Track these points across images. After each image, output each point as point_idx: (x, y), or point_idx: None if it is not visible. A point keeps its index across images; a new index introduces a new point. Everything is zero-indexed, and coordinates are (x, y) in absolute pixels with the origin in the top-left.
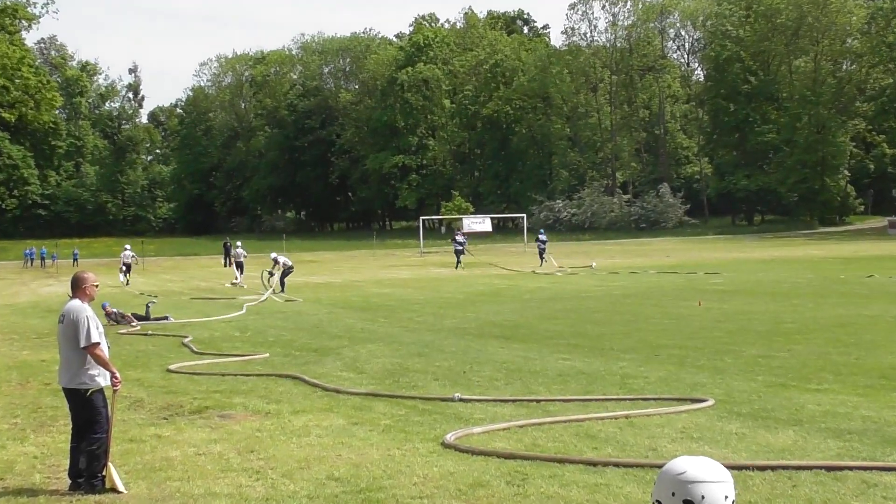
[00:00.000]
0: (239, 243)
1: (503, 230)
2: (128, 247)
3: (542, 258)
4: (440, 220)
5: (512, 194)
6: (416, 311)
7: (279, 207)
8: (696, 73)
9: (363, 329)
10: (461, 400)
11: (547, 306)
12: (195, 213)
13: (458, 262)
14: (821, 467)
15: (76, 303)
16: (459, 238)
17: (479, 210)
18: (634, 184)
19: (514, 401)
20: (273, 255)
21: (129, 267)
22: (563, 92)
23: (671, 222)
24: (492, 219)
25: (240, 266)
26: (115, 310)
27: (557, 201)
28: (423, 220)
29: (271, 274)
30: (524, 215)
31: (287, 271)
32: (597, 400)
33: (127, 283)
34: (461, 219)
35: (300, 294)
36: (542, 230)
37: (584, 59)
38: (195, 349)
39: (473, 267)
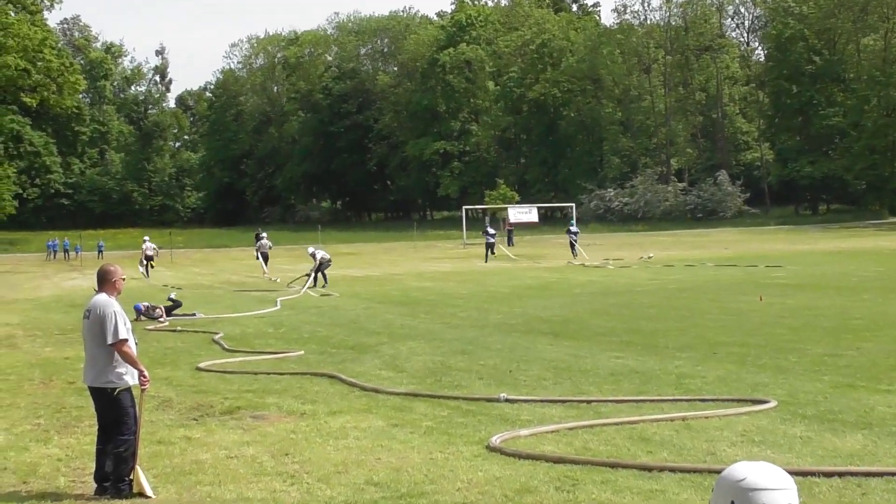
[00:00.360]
0: (264, 234)
1: (551, 220)
2: (147, 238)
3: (573, 250)
4: (484, 209)
5: (560, 182)
6: (460, 305)
7: (314, 196)
8: (756, 52)
9: (403, 325)
10: (507, 400)
11: (598, 301)
12: (225, 203)
13: (489, 254)
14: (892, 474)
15: (103, 297)
16: (490, 230)
17: (526, 199)
18: (690, 171)
19: (563, 401)
20: (310, 249)
21: (150, 259)
22: (614, 73)
23: (729, 212)
24: (539, 208)
25: (265, 258)
26: (145, 304)
27: (608, 189)
28: (466, 210)
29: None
30: (573, 204)
31: (324, 265)
32: (651, 401)
33: (147, 276)
34: (506, 208)
35: (336, 288)
36: (572, 221)
37: (636, 38)
38: (226, 346)
39: (505, 260)
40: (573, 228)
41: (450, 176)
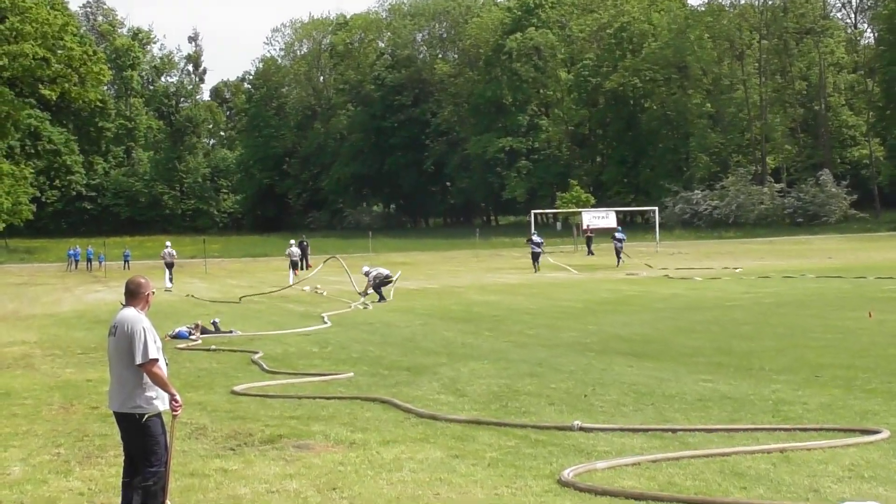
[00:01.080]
0: (292, 241)
1: (631, 226)
2: (168, 244)
3: (618, 257)
4: (555, 214)
5: (641, 183)
6: (528, 322)
7: (364, 200)
8: (865, 35)
9: (464, 344)
10: (582, 429)
11: (684, 317)
12: (265, 207)
13: (536, 265)
14: None
15: (131, 312)
16: (536, 239)
17: (602, 202)
18: (789, 170)
19: (645, 430)
20: (365, 268)
21: (170, 266)
22: (702, 60)
23: (834, 216)
24: (617, 213)
25: (294, 265)
26: (189, 327)
27: (696, 192)
28: (535, 215)
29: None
30: (655, 208)
31: (383, 282)
32: (745, 430)
33: (170, 285)
34: (580, 213)
35: (389, 302)
36: (619, 227)
37: (727, 20)
38: (266, 367)
39: (587, 269)
40: (619, 235)
41: (517, 176)
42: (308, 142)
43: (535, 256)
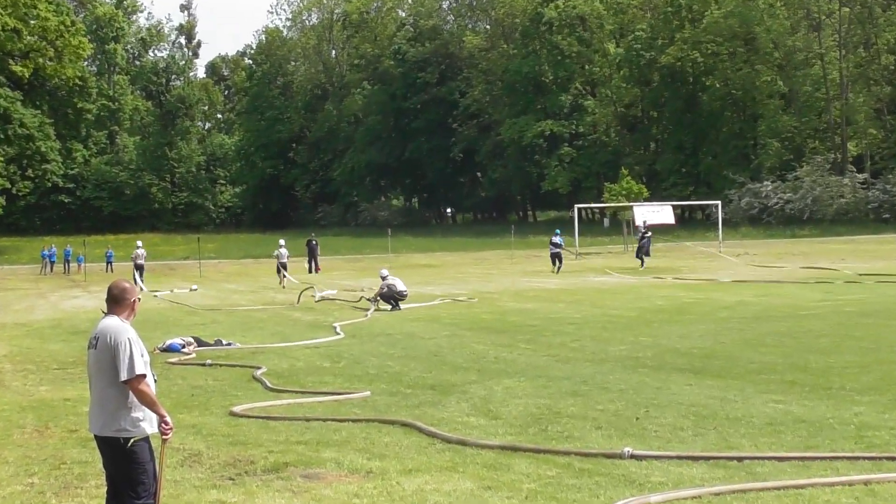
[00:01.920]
0: (282, 241)
1: (690, 222)
2: (139, 243)
3: (642, 255)
4: (602, 208)
5: (702, 173)
6: (571, 333)
7: (382, 192)
8: None
9: (497, 358)
10: (633, 456)
11: (751, 328)
12: (269, 200)
13: (557, 266)
14: None
15: (114, 321)
16: (556, 239)
17: (657, 195)
18: (873, 158)
19: (706, 458)
20: (383, 271)
21: (140, 269)
22: (773, 31)
23: None
24: (674, 207)
25: (282, 268)
26: (184, 339)
27: (765, 183)
28: (579, 210)
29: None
30: (718, 202)
31: (396, 295)
32: (822, 458)
33: (142, 289)
34: (631, 207)
35: (411, 310)
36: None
37: None
38: (270, 385)
39: (637, 272)
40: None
41: (558, 165)
42: (318, 125)
43: (554, 258)
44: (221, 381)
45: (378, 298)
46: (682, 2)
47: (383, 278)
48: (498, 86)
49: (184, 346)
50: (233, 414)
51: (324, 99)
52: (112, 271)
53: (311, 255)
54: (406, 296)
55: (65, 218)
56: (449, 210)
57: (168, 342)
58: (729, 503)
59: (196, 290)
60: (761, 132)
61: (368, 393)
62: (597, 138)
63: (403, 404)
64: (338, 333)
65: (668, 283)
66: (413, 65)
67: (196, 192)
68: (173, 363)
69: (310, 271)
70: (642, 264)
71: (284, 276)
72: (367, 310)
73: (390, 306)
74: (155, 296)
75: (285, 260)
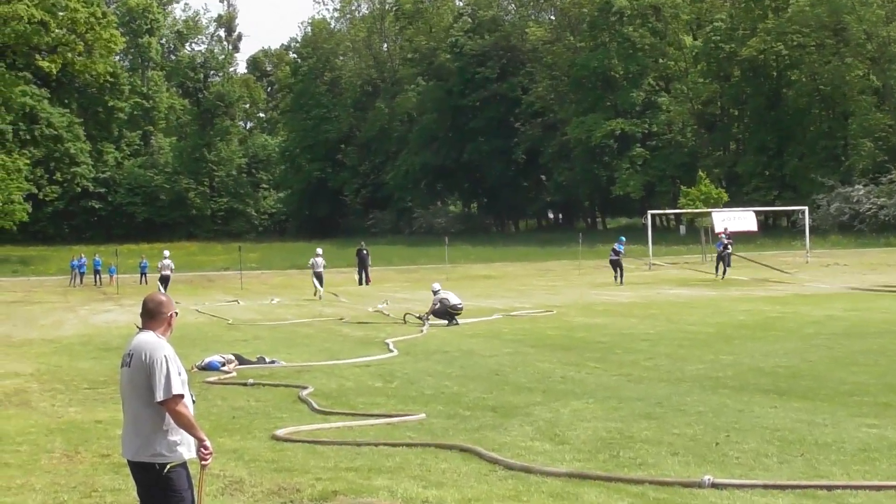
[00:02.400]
0: (319, 250)
1: (774, 230)
2: (167, 253)
3: (724, 264)
4: (678, 214)
5: (787, 177)
6: (644, 351)
7: (438, 197)
8: None
9: (565, 378)
10: (713, 485)
11: (841, 345)
12: (315, 206)
13: (618, 275)
14: None
15: (150, 337)
16: (617, 246)
17: (737, 200)
18: None
19: (793, 487)
20: (435, 286)
21: (166, 280)
22: (865, 21)
23: None
24: (756, 213)
25: (317, 278)
26: (225, 357)
27: (857, 187)
28: (653, 216)
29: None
30: (805, 208)
31: (449, 309)
32: None
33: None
34: (709, 213)
35: (470, 325)
36: (621, 238)
37: None
38: (317, 406)
39: (717, 285)
40: (729, 242)
41: (629, 168)
42: (368, 125)
43: (614, 266)
44: (264, 402)
45: (429, 316)
46: None
47: (435, 292)
48: (564, 81)
49: (223, 364)
50: (277, 438)
51: (375, 96)
52: (146, 283)
53: (362, 266)
54: (461, 309)
55: (95, 225)
56: (511, 217)
57: (207, 360)
58: None
59: (240, 303)
60: (852, 131)
61: (424, 415)
62: (671, 138)
63: (462, 427)
64: (391, 351)
65: (750, 295)
66: (471, 59)
67: (237, 198)
68: (212, 382)
69: (360, 283)
70: (723, 275)
71: (319, 288)
72: (422, 325)
73: (445, 322)
74: (197, 311)
75: (321, 269)
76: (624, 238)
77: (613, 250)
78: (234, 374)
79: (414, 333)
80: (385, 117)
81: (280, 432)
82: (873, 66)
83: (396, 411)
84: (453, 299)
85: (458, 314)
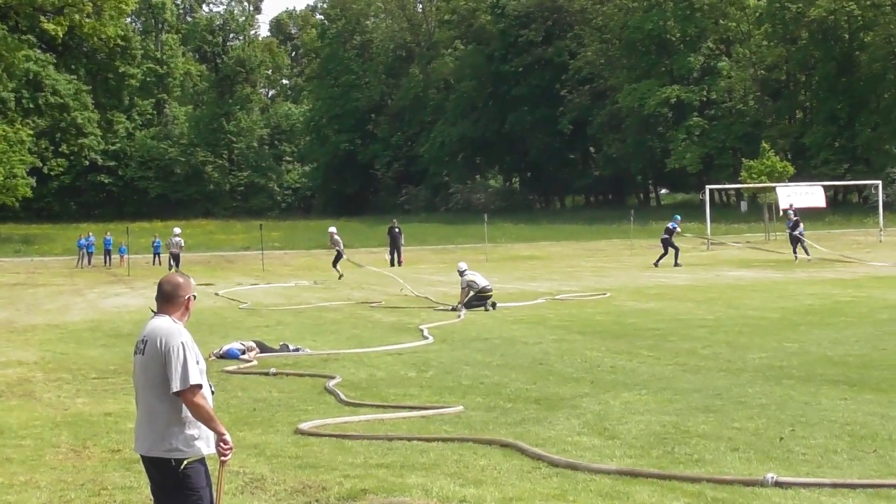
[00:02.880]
0: (333, 229)
1: (844, 206)
2: (177, 230)
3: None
4: (739, 189)
5: (859, 148)
6: (701, 338)
7: (477, 171)
8: None
9: (614, 367)
10: (777, 484)
11: None
12: (343, 181)
13: (663, 257)
14: None
15: (165, 322)
16: (671, 225)
17: (804, 174)
18: None
19: (864, 486)
20: (461, 265)
21: (177, 258)
22: None
23: None
24: (825, 188)
25: (339, 257)
26: (244, 344)
27: None
28: (711, 191)
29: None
30: (879, 182)
31: (477, 293)
32: None
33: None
34: (774, 188)
35: (510, 310)
36: (676, 216)
37: None
38: (345, 398)
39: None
40: (793, 217)
41: (686, 139)
42: (402, 93)
43: (667, 244)
44: (288, 394)
45: (462, 307)
46: None
47: (462, 272)
48: (615, 45)
49: (244, 352)
50: (301, 432)
51: (409, 61)
52: (160, 264)
53: (394, 245)
54: (490, 292)
55: (104, 202)
56: (556, 192)
57: (226, 347)
58: None
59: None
60: None
61: (461, 408)
62: (732, 107)
63: (502, 421)
64: (425, 337)
65: (818, 278)
66: (514, 21)
67: (258, 172)
68: (231, 372)
69: (392, 263)
70: (805, 253)
71: (336, 268)
72: (459, 310)
73: (482, 308)
74: (217, 294)
75: (341, 248)
76: (679, 216)
77: (667, 228)
78: (255, 362)
79: (451, 319)
80: (420, 84)
81: (305, 426)
82: None
83: (431, 403)
84: (481, 281)
85: (489, 297)
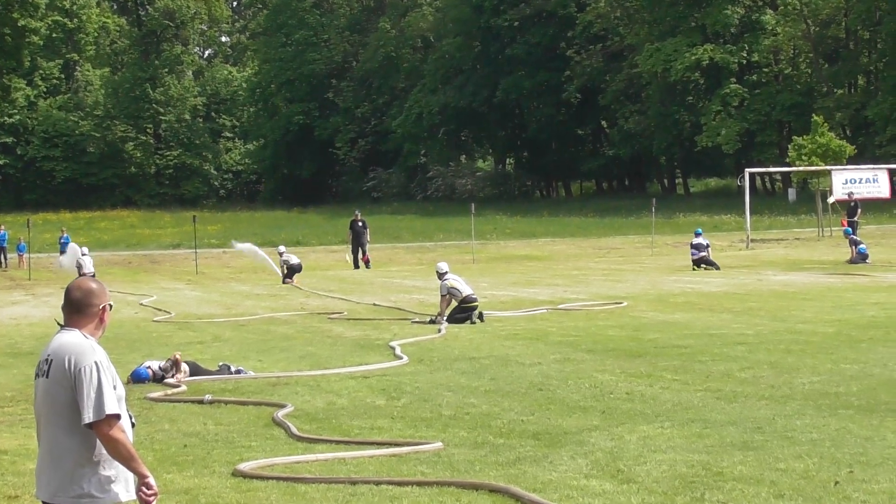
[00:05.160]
0: (282, 248)
1: None
2: (85, 250)
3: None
4: (786, 173)
5: None
6: (738, 358)
7: (463, 150)
8: None
9: (631, 394)
10: None
11: None
12: (297, 163)
13: (706, 266)
14: None
15: (75, 337)
16: (696, 240)
17: (866, 155)
18: None
19: None
20: (441, 266)
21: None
22: None
23: None
24: (891, 173)
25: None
26: (156, 364)
27: None
28: (752, 176)
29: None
30: None
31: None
32: None
33: None
34: (829, 172)
35: (508, 321)
36: (698, 230)
37: None
38: (297, 431)
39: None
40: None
41: (721, 112)
42: (369, 53)
43: (699, 263)
44: (227, 427)
45: (442, 318)
46: None
47: (441, 275)
48: None
49: (166, 375)
50: (243, 474)
51: (378, 13)
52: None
53: (357, 242)
54: (476, 302)
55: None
56: (560, 177)
57: (147, 363)
58: None
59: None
60: None
61: (441, 444)
62: (779, 71)
63: (492, 460)
64: (398, 357)
65: (883, 283)
66: None
67: (191, 151)
68: (156, 399)
69: (356, 265)
70: (864, 258)
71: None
72: (439, 322)
73: (468, 321)
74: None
75: (296, 264)
76: (700, 230)
77: (694, 247)
78: (184, 388)
79: (429, 334)
80: (391, 42)
81: (246, 466)
82: None
83: (404, 438)
84: (465, 288)
85: (475, 307)
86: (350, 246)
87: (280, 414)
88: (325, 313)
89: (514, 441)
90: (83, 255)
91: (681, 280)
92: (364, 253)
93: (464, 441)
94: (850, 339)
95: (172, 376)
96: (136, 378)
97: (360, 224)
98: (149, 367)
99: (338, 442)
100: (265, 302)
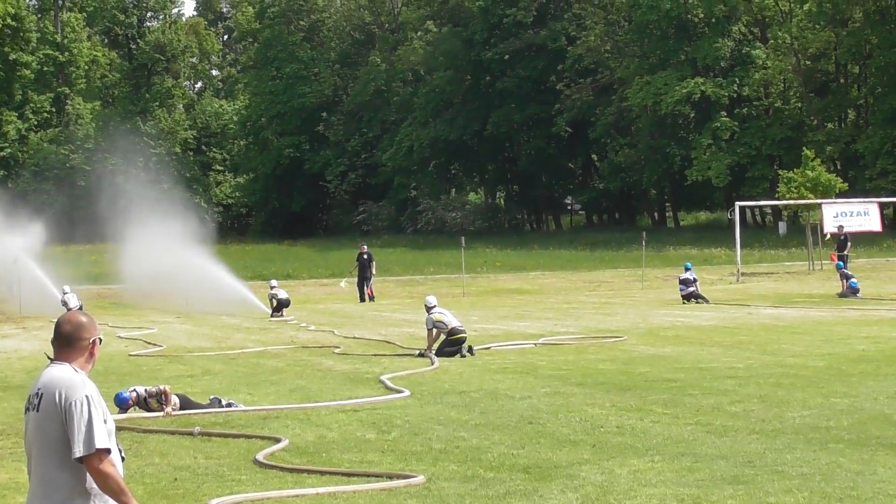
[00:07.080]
0: (274, 282)
1: None
2: (66, 288)
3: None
4: (776, 207)
5: None
6: (728, 392)
7: (453, 184)
8: None
9: (621, 427)
10: None
11: None
12: (287, 196)
13: (697, 299)
14: None
15: (65, 372)
16: (684, 274)
17: (857, 188)
18: None
19: None
20: (430, 300)
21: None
22: None
23: None
24: (881, 206)
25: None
26: (140, 389)
27: None
28: (742, 209)
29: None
30: None
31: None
32: None
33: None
34: (819, 206)
35: (499, 355)
36: (688, 264)
37: None
38: (286, 465)
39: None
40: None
41: (711, 145)
42: (360, 87)
43: (689, 298)
44: (217, 460)
45: (431, 352)
46: None
47: (430, 308)
48: (623, 28)
49: (149, 398)
50: None
51: (369, 47)
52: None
53: (363, 275)
54: (464, 335)
55: None
56: (550, 210)
57: (133, 387)
58: None
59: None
60: None
61: (422, 478)
62: (769, 105)
63: (482, 494)
64: (389, 390)
65: (872, 317)
66: None
67: (181, 184)
68: (146, 432)
69: (362, 298)
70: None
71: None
72: (428, 356)
73: (459, 354)
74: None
75: (284, 299)
76: (690, 264)
77: (682, 282)
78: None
79: (421, 367)
80: (382, 76)
81: (231, 500)
82: None
83: (395, 472)
84: (451, 320)
85: (464, 340)
86: (356, 279)
87: (260, 456)
88: (317, 346)
89: (504, 475)
90: (65, 293)
91: (671, 314)
92: (368, 285)
93: (454, 475)
94: (840, 373)
95: (162, 408)
96: (118, 402)
97: (365, 257)
98: (134, 390)
99: (327, 473)
100: (255, 335)
